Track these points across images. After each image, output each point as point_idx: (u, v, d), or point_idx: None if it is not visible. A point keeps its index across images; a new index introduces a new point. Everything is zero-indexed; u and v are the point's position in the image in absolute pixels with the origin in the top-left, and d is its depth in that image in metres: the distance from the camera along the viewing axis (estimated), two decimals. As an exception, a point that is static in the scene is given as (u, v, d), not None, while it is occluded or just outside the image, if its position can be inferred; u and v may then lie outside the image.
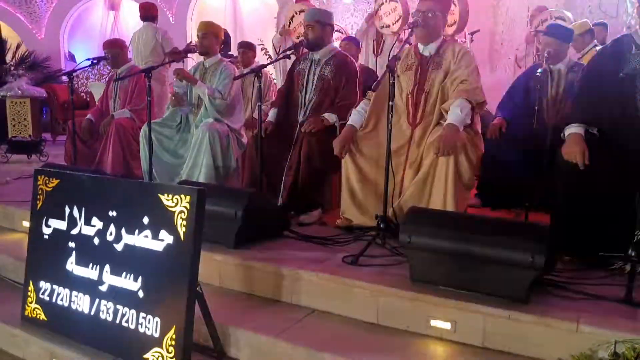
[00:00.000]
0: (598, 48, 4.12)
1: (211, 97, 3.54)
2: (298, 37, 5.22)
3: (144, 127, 3.48)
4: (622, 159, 2.28)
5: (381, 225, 2.55)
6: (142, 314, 1.94)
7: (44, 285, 2.27)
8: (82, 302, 2.12)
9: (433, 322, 1.97)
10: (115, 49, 4.37)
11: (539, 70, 2.94)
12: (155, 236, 1.93)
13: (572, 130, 2.38)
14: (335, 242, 2.68)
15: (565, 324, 1.78)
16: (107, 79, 5.33)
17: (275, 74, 6.10)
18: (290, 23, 5.46)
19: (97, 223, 2.13)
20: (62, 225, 2.25)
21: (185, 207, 1.87)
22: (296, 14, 5.46)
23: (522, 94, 3.43)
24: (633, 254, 2.08)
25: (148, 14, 5.46)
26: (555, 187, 2.47)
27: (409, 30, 2.68)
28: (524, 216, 2.95)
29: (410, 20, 2.75)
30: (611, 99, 2.40)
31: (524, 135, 3.14)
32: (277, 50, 5.41)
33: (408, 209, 2.35)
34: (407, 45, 2.80)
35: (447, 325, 1.95)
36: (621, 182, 2.25)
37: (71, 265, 2.19)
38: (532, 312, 1.84)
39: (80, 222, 2.18)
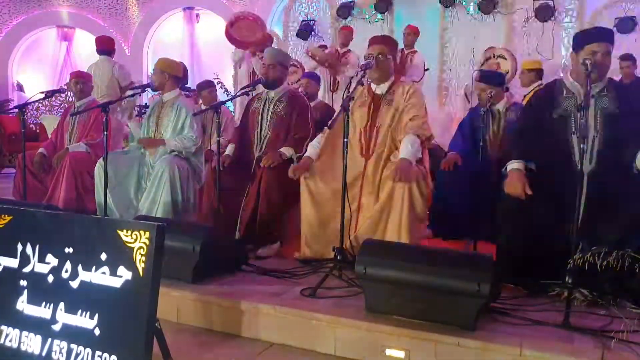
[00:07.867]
0: (542, 87, 4.44)
1: (186, 149, 3.58)
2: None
3: (100, 161, 3.45)
4: (557, 192, 2.47)
5: (338, 257, 2.62)
6: (97, 353, 1.90)
7: (-8, 326, 2.18)
8: (32, 343, 2.05)
9: (388, 352, 2.04)
10: (82, 80, 4.40)
11: (482, 109, 3.15)
12: (113, 272, 1.93)
13: (513, 165, 2.57)
14: (294, 275, 2.73)
15: (509, 349, 1.89)
16: (60, 110, 5.24)
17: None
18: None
19: (52, 260, 2.09)
20: (13, 263, 2.18)
21: (145, 242, 1.88)
22: None
23: (469, 132, 3.67)
24: (569, 281, 2.25)
25: (105, 47, 5.45)
26: (499, 219, 2.64)
27: (362, 72, 2.84)
28: (472, 246, 3.10)
29: (362, 62, 2.93)
30: (547, 138, 2.62)
31: (471, 169, 3.34)
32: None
33: (363, 241, 2.44)
34: (360, 87, 2.96)
35: (401, 354, 2.02)
36: (557, 214, 2.43)
37: (22, 304, 2.12)
38: (479, 339, 1.95)
39: (34, 259, 2.13)
